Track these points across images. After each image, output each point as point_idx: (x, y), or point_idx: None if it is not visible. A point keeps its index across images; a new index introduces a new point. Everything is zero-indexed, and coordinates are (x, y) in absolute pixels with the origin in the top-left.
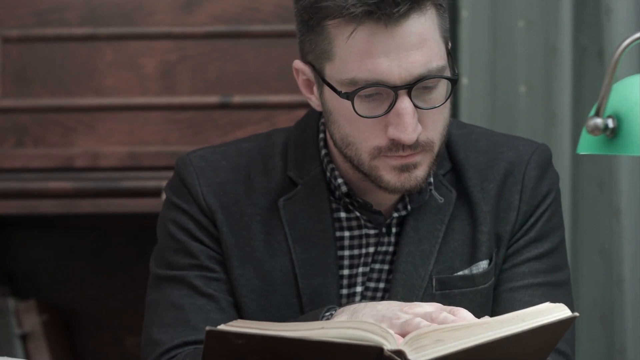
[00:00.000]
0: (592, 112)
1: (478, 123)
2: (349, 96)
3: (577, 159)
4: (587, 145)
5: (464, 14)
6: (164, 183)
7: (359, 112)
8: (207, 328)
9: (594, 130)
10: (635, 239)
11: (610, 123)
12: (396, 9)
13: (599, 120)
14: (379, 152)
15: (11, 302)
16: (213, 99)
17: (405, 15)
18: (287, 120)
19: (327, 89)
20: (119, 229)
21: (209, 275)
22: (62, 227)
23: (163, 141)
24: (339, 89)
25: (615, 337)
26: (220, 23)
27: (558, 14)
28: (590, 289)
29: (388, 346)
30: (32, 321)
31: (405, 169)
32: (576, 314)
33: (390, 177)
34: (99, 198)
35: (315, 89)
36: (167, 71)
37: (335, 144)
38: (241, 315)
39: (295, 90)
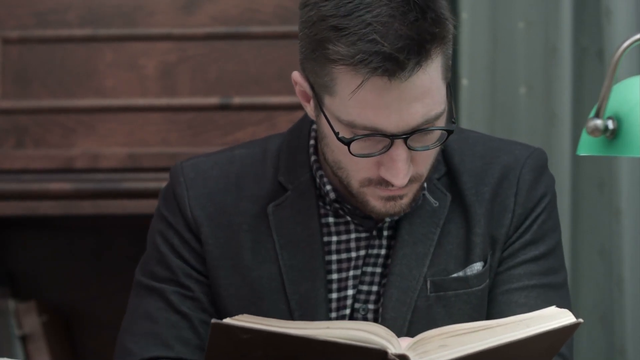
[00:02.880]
0: (592, 113)
1: (478, 124)
2: (347, 143)
3: (577, 160)
4: (587, 146)
5: (464, 15)
6: (164, 184)
7: (353, 153)
8: (213, 321)
9: (594, 131)
10: (635, 239)
11: (610, 124)
12: (403, 72)
13: (599, 122)
14: (369, 183)
15: (11, 303)
16: (213, 100)
17: (410, 71)
18: (287, 121)
19: (324, 117)
20: (119, 230)
21: (185, 292)
22: (62, 228)
23: (163, 142)
24: (336, 127)
25: (615, 337)
26: (220, 24)
27: (558, 14)
28: (590, 289)
29: (392, 350)
30: (32, 322)
31: (392, 199)
32: (580, 320)
33: (376, 203)
34: (99, 199)
35: (312, 102)
36: (167, 72)
37: (326, 162)
38: None
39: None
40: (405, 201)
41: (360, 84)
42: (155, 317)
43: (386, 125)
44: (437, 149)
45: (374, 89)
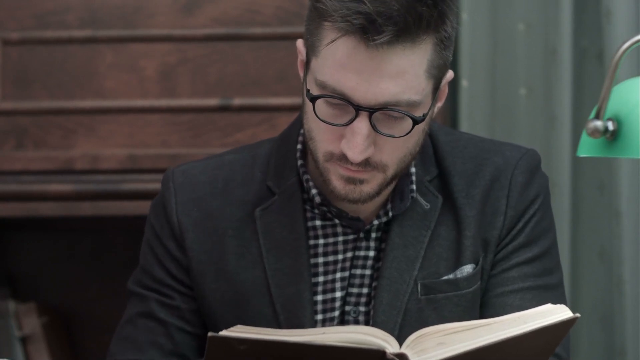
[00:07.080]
0: (592, 114)
1: (478, 125)
2: (312, 99)
3: (577, 161)
4: (587, 147)
5: (464, 16)
6: None
7: (318, 115)
8: (209, 334)
9: (594, 132)
10: (635, 241)
11: (610, 125)
12: (378, 37)
13: (599, 123)
14: (331, 157)
15: (11, 305)
16: (213, 101)
17: (388, 43)
18: (287, 122)
19: (306, 80)
20: (119, 232)
21: (164, 300)
22: (62, 229)
23: (163, 143)
24: (310, 87)
25: (615, 339)
26: (221, 25)
27: (558, 16)
28: (590, 291)
29: (390, 349)
30: (32, 323)
31: (351, 181)
32: (577, 315)
33: (337, 183)
34: (99, 200)
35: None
36: (167, 73)
37: (304, 135)
38: (217, 327)
39: (296, 92)
40: (366, 189)
41: (336, 38)
42: (137, 322)
43: (353, 92)
44: (410, 145)
45: (348, 49)
